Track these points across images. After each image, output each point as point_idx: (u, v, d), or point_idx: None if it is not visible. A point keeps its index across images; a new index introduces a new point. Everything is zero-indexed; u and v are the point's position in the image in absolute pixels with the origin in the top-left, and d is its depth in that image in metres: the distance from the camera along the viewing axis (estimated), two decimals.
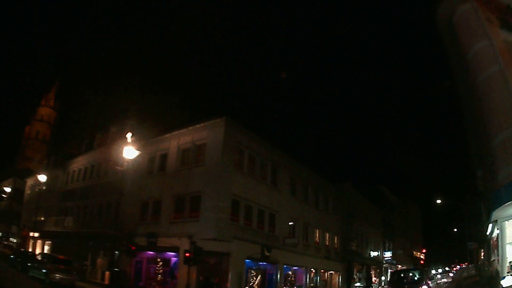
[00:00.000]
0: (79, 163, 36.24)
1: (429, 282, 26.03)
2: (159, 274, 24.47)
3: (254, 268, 25.06)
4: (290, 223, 28.65)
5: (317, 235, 32.85)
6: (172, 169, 25.01)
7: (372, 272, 47.25)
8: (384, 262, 49.94)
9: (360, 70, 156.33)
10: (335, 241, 36.25)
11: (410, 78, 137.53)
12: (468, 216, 37.59)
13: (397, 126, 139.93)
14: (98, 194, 31.21)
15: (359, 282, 41.53)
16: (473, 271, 41.62)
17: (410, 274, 23.48)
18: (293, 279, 29.21)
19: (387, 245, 51.44)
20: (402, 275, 24.59)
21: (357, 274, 41.89)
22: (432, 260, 69.31)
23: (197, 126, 24.22)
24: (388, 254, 49.60)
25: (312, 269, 31.03)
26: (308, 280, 30.24)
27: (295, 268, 29.52)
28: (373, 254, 44.62)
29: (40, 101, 79.77)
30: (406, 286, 21.19)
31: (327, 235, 34.70)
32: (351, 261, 38.48)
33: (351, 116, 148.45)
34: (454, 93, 27.99)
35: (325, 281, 34.51)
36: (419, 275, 22.56)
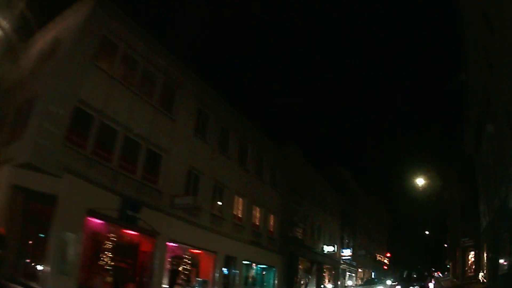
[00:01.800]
0: None
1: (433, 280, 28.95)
2: None
3: (110, 234, 13.85)
4: (189, 175, 17.77)
5: (241, 207, 22.04)
6: (28, 72, 15.05)
7: (326, 274, 36.84)
8: (342, 262, 39.69)
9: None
10: (271, 223, 25.54)
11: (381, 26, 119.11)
12: (460, 207, 27.79)
13: (366, 88, 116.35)
14: None
15: (306, 284, 30.92)
16: (455, 280, 32.42)
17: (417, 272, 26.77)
18: (189, 267, 18.07)
19: (346, 241, 41.31)
20: (410, 272, 27.28)
21: (305, 274, 31.27)
22: (397, 267, 60.09)
23: (65, 12, 15.02)
24: (347, 253, 39.38)
25: (227, 258, 20.10)
26: (218, 273, 19.26)
27: (195, 251, 18.49)
28: (328, 249, 34.21)
29: None
30: (415, 283, 23.86)
31: (258, 211, 23.94)
32: (295, 254, 27.83)
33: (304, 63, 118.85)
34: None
35: (252, 278, 23.60)
36: (425, 272, 27.41)
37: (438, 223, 55.81)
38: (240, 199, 22.07)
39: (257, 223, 23.66)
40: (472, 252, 28.96)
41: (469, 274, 27.90)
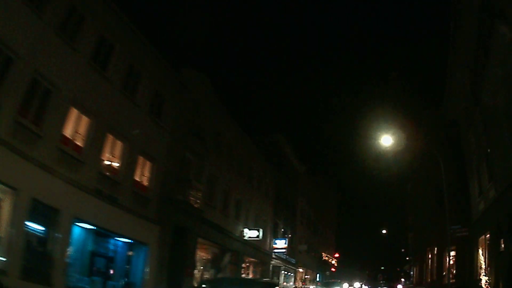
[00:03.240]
0: None
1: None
2: None
3: None
4: None
5: (83, 129, 13.11)
6: None
7: (249, 269, 28.28)
8: (274, 256, 31.26)
9: None
10: (146, 172, 16.68)
11: None
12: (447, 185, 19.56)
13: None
14: None
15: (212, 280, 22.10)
16: None
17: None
18: None
19: (281, 230, 33.04)
20: (376, 274, 31.45)
21: (209, 265, 22.55)
22: (346, 270, 52.75)
23: None
24: (280, 244, 31.04)
25: (38, 206, 10.96)
26: (16, 229, 10.19)
27: None
28: (250, 234, 25.67)
29: None
30: (382, 284, 24.44)
31: (120, 146, 15.04)
32: (189, 230, 18.93)
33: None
34: None
35: (101, 255, 14.54)
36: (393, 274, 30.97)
37: (396, 222, 49.18)
38: (84, 117, 13.18)
39: (115, 166, 14.71)
40: (453, 252, 20.99)
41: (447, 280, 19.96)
